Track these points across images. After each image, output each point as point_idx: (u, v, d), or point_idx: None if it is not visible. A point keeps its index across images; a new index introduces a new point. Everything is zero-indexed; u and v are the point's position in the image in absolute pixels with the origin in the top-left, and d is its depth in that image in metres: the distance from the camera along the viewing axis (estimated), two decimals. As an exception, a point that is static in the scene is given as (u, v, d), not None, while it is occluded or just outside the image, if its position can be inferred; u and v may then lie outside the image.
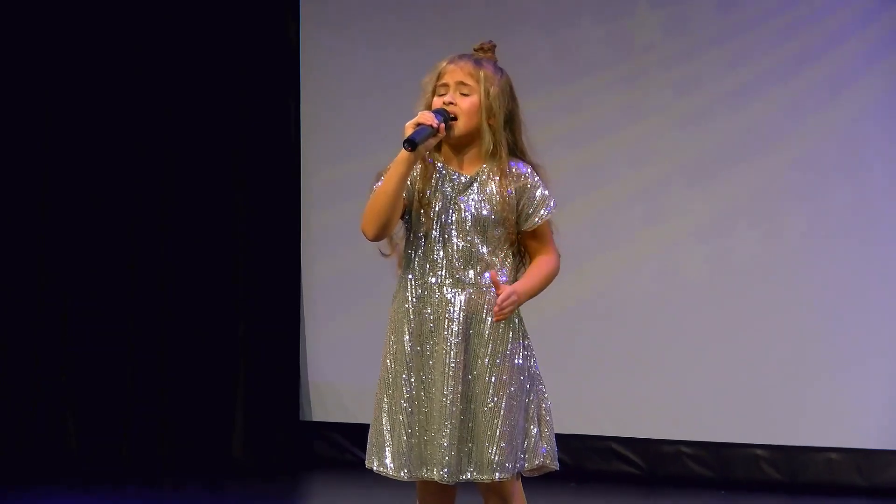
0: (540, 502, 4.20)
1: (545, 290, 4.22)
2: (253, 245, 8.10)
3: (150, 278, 8.00)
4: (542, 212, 4.17)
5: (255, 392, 8.08)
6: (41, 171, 7.93)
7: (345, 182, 7.94)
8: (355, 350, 7.91)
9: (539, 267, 4.19)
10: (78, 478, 7.61)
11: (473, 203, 4.11)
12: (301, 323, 8.17)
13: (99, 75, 7.91)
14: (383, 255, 4.22)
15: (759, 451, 7.39)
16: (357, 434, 7.77)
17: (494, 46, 4.21)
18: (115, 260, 7.98)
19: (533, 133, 4.28)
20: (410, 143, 3.97)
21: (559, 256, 4.23)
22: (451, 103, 4.08)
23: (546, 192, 4.18)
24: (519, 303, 4.08)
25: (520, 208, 4.15)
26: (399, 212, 4.09)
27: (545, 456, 4.16)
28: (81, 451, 7.89)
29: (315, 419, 8.14)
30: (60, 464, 7.82)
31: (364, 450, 7.84)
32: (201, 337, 8.05)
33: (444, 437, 4.05)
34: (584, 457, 7.47)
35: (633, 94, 7.57)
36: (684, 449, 7.50)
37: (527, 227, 4.16)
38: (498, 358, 4.09)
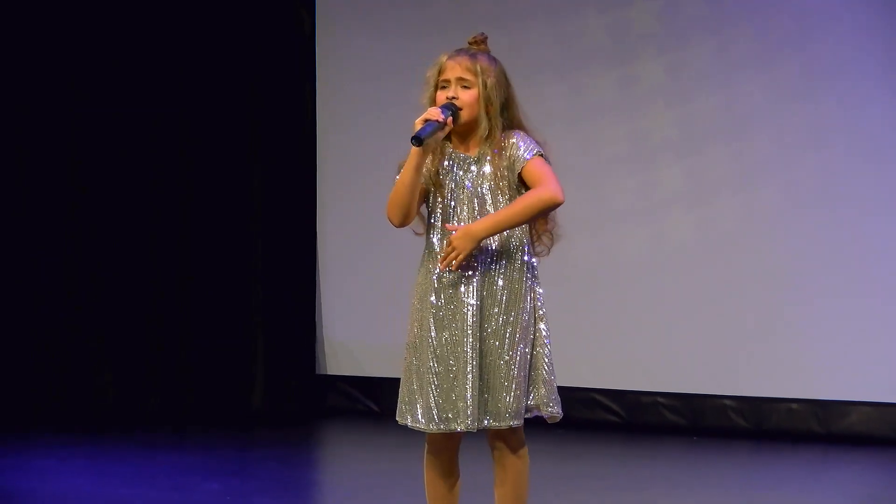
0: (528, 448, 4.55)
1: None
2: (271, 211, 8.27)
3: (175, 243, 8.18)
4: (525, 154, 4.27)
5: (274, 347, 8.28)
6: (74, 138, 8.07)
7: (359, 149, 8.09)
8: (367, 309, 8.11)
9: (519, 200, 4.25)
10: (114, 426, 7.85)
11: (475, 180, 4.30)
12: (317, 284, 8.34)
13: (116, 69, 8.02)
14: (417, 234, 4.40)
15: (727, 402, 7.61)
16: (368, 386, 8.14)
17: (486, 38, 4.36)
18: (141, 226, 8.13)
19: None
20: (416, 140, 4.16)
21: (555, 188, 4.22)
22: (455, 98, 4.25)
23: (527, 142, 4.28)
24: (467, 250, 4.19)
25: (510, 164, 4.29)
26: (418, 199, 4.28)
27: (553, 403, 4.37)
28: (117, 402, 8.16)
29: (329, 373, 8.34)
30: (98, 413, 8.06)
31: (375, 401, 8.41)
32: (224, 298, 8.24)
33: (467, 390, 4.22)
34: (568, 406, 7.04)
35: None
36: (660, 399, 7.71)
37: (518, 172, 4.28)
38: (511, 315, 4.28)
